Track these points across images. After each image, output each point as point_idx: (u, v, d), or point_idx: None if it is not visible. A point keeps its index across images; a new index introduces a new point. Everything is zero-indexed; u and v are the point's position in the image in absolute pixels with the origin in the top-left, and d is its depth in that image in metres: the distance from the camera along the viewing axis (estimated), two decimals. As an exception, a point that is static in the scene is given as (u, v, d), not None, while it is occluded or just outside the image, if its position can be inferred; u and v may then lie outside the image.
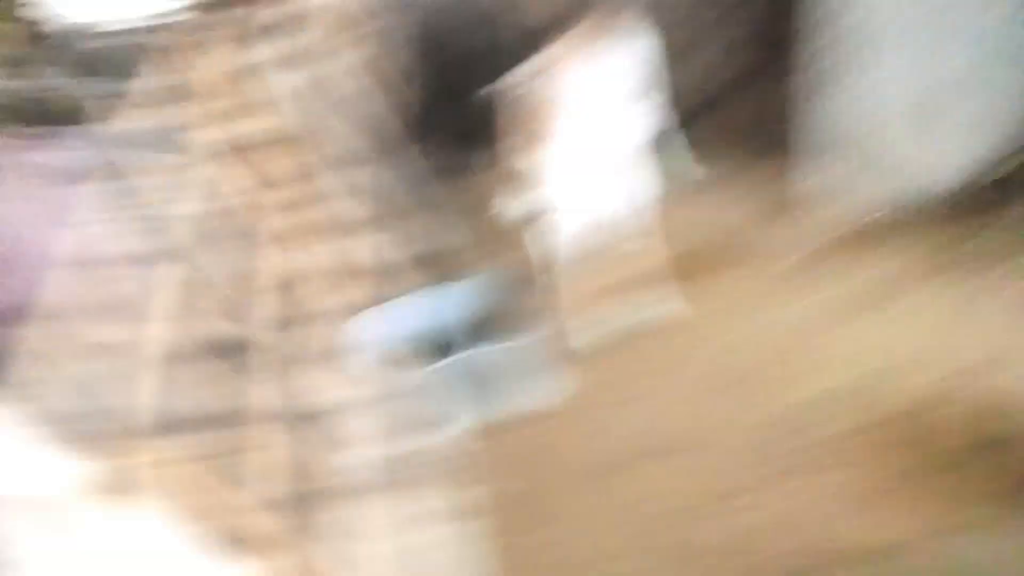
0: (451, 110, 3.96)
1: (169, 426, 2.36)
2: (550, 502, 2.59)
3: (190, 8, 2.91)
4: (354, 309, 2.91)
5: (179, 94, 2.75)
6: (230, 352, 2.50)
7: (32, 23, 3.39)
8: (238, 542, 2.17)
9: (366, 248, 3.09)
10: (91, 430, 2.28)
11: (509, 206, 2.94)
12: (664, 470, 2.64)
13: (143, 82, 2.73)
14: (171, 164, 2.79)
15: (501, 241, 3.48)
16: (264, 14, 3.02)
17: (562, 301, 3.14)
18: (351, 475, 2.44)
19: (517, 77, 2.96)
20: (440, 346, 2.90)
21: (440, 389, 2.79)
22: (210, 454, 2.34)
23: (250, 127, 2.74)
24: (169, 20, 2.93)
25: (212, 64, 2.77)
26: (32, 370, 2.42)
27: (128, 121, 2.75)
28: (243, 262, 2.66)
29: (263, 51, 2.99)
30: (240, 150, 2.71)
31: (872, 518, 2.39)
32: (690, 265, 3.52)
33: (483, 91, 3.75)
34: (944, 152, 3.62)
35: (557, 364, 3.03)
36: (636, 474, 2.64)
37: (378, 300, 3.01)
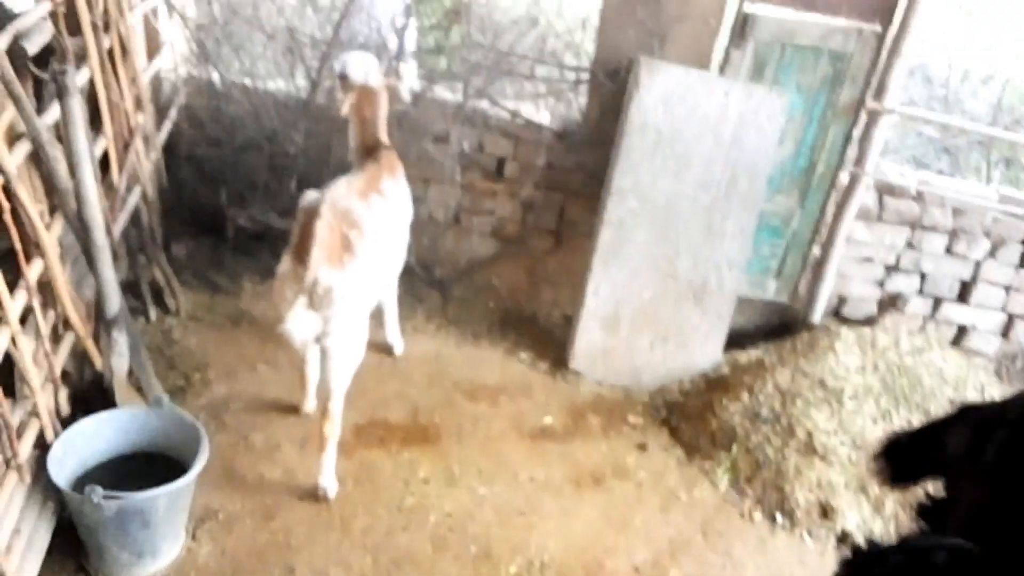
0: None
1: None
2: None
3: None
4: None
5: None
6: None
7: None
8: None
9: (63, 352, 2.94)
10: None
11: (299, 323, 2.81)
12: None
13: None
14: None
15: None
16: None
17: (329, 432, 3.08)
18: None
19: (317, 197, 2.96)
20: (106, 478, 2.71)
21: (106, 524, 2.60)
22: None
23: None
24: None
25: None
26: None
27: None
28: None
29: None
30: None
31: None
32: (410, 431, 3.60)
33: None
34: (646, 358, 4.12)
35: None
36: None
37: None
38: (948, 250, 4.25)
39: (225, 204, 4.19)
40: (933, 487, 2.16)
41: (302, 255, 2.81)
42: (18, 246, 2.53)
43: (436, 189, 4.44)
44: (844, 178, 4.11)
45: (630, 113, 3.73)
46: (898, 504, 3.35)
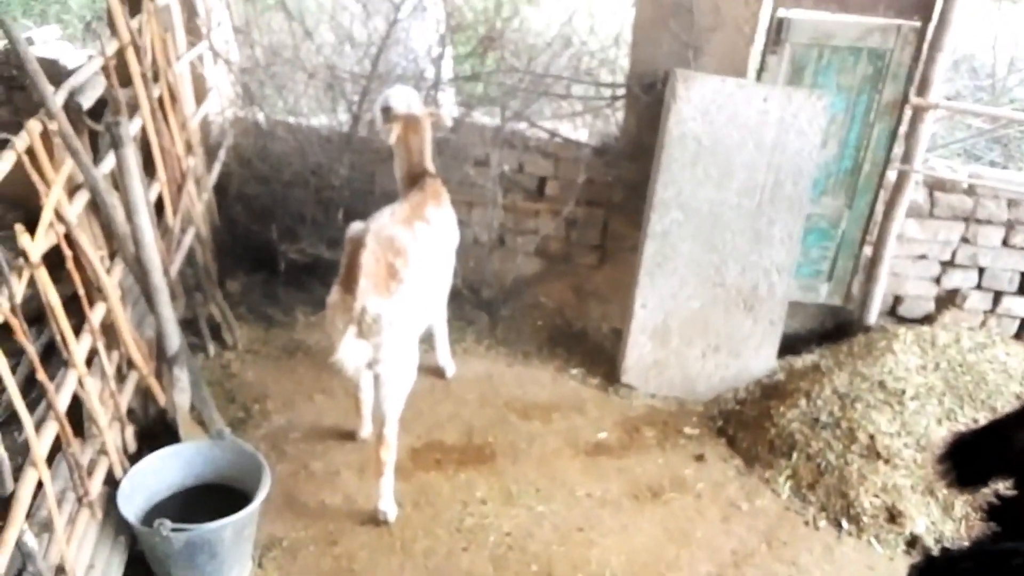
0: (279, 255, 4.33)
1: None
2: None
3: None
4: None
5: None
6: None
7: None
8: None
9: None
10: None
11: (350, 352, 2.83)
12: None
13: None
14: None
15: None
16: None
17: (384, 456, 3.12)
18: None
19: (362, 227, 3.05)
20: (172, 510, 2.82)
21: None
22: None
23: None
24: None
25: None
26: None
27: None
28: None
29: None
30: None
31: None
32: (465, 451, 3.63)
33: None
34: (698, 368, 4.09)
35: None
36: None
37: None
38: (1005, 242, 4.14)
39: (275, 239, 4.29)
40: (1004, 486, 2.10)
41: (350, 285, 2.88)
42: (81, 291, 2.64)
43: (479, 212, 4.50)
44: (892, 176, 4.05)
45: (668, 125, 3.74)
46: (969, 506, 3.26)
